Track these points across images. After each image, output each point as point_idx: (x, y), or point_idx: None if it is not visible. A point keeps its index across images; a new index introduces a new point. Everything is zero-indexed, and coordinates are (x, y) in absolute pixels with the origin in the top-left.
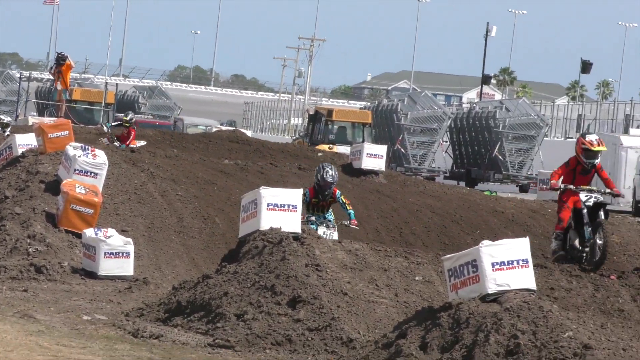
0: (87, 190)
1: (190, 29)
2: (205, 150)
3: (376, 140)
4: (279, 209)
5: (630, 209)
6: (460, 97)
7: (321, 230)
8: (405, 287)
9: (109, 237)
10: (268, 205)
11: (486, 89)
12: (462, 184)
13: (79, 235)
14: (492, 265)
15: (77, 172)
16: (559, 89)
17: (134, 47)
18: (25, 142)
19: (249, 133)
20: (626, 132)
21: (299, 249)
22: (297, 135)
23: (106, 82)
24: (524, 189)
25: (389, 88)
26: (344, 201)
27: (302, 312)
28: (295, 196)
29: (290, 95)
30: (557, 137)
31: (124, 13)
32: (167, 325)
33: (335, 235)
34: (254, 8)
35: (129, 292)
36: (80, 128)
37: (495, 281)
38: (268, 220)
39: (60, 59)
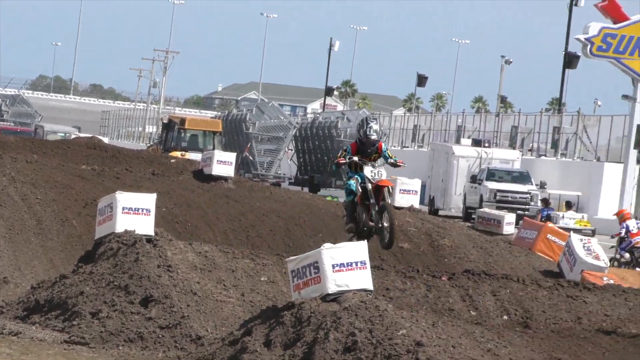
0: None
1: (52, 41)
2: (64, 156)
3: (226, 147)
4: (134, 212)
5: (460, 215)
6: (305, 108)
7: (367, 170)
8: (252, 287)
9: None
10: (123, 209)
11: (329, 101)
12: (306, 189)
13: None
14: (333, 266)
15: None
16: (397, 101)
17: None
18: None
19: (106, 140)
20: (458, 142)
21: (152, 251)
22: (151, 143)
23: None
24: None
25: (239, 98)
26: (391, 155)
27: (154, 311)
28: (148, 200)
29: (145, 105)
30: (395, 146)
31: None
32: (26, 322)
33: (384, 174)
34: (112, 22)
35: None
36: None
37: (335, 282)
38: (123, 223)
39: None
